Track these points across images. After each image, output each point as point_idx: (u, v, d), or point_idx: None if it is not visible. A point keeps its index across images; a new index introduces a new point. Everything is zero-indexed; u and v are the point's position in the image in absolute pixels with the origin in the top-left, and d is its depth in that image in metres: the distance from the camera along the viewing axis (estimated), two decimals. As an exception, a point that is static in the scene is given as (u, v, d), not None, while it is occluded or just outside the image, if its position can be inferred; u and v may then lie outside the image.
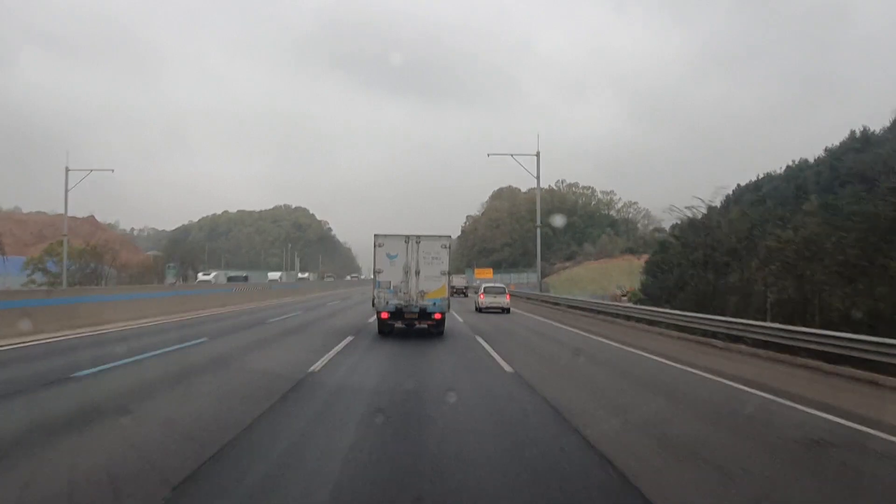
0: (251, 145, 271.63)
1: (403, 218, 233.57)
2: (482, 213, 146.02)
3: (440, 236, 17.52)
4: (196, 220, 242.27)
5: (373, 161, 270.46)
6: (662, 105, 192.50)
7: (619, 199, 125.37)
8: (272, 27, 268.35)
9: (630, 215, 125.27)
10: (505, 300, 28.57)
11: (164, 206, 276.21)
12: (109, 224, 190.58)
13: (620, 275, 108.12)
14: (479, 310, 28.59)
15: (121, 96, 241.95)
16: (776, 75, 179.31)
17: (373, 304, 17.15)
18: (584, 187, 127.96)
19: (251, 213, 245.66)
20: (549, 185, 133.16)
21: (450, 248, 17.48)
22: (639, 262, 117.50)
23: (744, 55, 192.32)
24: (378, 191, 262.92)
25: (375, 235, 17.05)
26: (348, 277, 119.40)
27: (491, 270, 79.80)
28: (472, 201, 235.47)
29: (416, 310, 16.69)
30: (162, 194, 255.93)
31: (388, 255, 16.82)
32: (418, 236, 16.98)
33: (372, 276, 17.74)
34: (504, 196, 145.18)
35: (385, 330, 17.10)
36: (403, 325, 17.19)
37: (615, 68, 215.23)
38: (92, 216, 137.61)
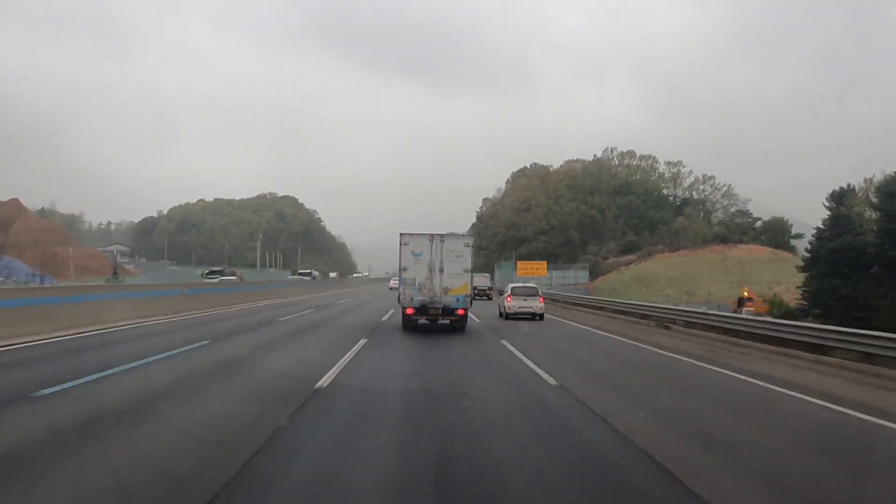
0: (238, 132, 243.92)
1: (407, 210, 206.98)
2: (504, 195, 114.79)
3: (463, 235, 20.47)
4: (166, 210, 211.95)
5: (374, 150, 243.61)
6: (690, 91, 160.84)
7: (690, 171, 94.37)
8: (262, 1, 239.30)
9: (706, 193, 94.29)
10: (537, 303, 23.28)
11: (144, 198, 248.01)
12: (72, 215, 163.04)
13: (712, 273, 76.98)
14: (506, 316, 23.48)
15: (93, 77, 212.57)
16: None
17: (398, 301, 17.68)
18: (642, 157, 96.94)
19: (230, 201, 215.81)
20: (595, 155, 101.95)
21: (472, 246, 18.10)
22: (734, 253, 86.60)
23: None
24: (378, 182, 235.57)
25: (401, 234, 17.54)
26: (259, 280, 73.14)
27: (544, 265, 48.96)
28: (484, 189, 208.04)
29: (440, 306, 17.18)
30: (141, 185, 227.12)
31: (414, 254, 17.28)
32: (442, 235, 17.67)
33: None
34: (530, 175, 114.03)
35: (409, 325, 17.55)
36: (427, 321, 17.55)
37: (638, 51, 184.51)
38: (16, 199, 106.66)
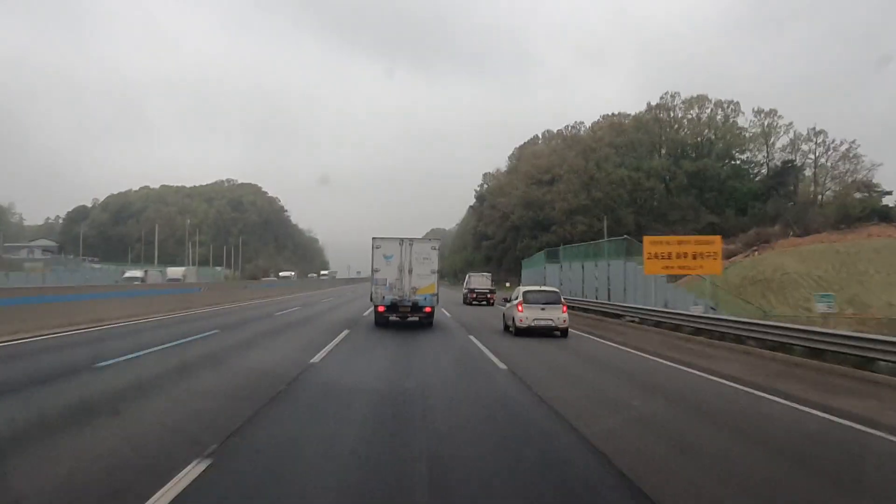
0: (204, 116, 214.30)
1: (389, 207, 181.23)
2: (511, 170, 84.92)
3: (430, 239, 21.15)
4: (102, 198, 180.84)
5: (357, 140, 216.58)
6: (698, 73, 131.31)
7: (790, 124, 65.06)
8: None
9: (816, 156, 64.97)
10: (559, 314, 17.99)
11: (94, 189, 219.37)
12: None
13: (885, 270, 47.89)
14: (516, 331, 17.72)
15: (38, 55, 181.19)
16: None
17: (371, 299, 18.75)
18: (718, 103, 67.13)
19: (179, 189, 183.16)
20: (648, 103, 71.84)
21: (439, 249, 19.55)
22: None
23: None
24: (360, 176, 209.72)
25: (373, 238, 18.65)
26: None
27: (718, 244, 18.59)
28: (473, 183, 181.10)
29: (409, 304, 18.18)
30: (93, 175, 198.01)
31: (385, 256, 18.36)
32: (411, 239, 18.89)
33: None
34: (551, 139, 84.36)
35: (381, 322, 18.44)
36: (397, 318, 18.40)
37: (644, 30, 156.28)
38: None
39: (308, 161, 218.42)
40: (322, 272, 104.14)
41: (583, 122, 77.34)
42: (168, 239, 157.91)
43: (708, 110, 67.89)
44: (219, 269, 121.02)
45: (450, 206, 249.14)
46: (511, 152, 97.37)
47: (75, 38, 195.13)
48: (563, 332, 17.86)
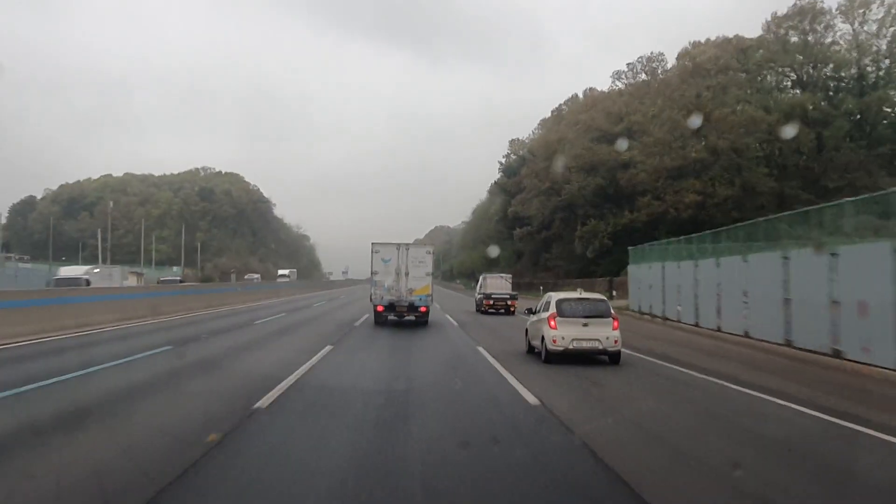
0: (193, 109, 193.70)
1: (390, 206, 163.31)
2: (563, 118, 60.77)
3: (425, 244, 25.06)
4: (55, 187, 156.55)
5: (354, 137, 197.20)
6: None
7: None
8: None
9: None
10: (610, 331, 12.58)
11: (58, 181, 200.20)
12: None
13: None
14: (547, 356, 12.72)
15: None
16: None
17: (370, 300, 20.90)
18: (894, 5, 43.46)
19: (145, 177, 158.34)
20: (774, 13, 47.29)
21: (433, 253, 22.44)
22: None
23: None
24: (357, 175, 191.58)
25: (373, 244, 20.89)
26: None
27: None
28: (478, 182, 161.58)
29: (406, 304, 20.26)
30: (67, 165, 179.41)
31: (383, 260, 20.49)
32: (407, 244, 21.48)
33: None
34: (596, 98, 60.18)
35: (380, 321, 20.60)
36: (395, 317, 20.57)
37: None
38: None
39: (303, 156, 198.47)
40: (280, 273, 78.86)
41: (662, 54, 53.39)
42: (128, 234, 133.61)
43: (877, 18, 43.84)
44: (176, 269, 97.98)
45: (455, 204, 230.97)
46: (541, 120, 73.70)
47: (36, 12, 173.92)
48: (614, 358, 12.79)
